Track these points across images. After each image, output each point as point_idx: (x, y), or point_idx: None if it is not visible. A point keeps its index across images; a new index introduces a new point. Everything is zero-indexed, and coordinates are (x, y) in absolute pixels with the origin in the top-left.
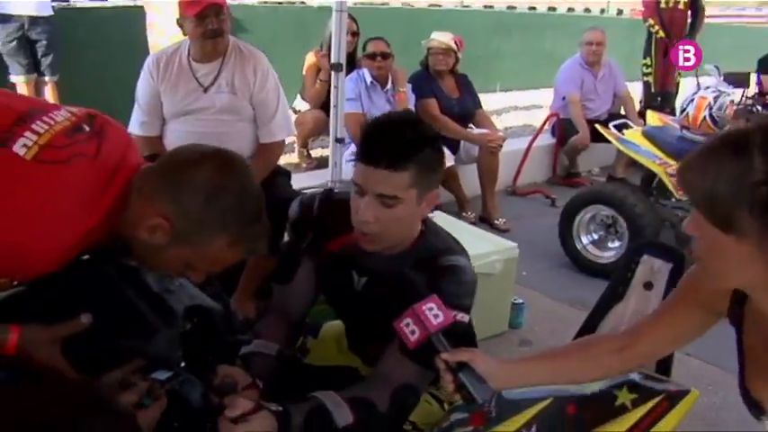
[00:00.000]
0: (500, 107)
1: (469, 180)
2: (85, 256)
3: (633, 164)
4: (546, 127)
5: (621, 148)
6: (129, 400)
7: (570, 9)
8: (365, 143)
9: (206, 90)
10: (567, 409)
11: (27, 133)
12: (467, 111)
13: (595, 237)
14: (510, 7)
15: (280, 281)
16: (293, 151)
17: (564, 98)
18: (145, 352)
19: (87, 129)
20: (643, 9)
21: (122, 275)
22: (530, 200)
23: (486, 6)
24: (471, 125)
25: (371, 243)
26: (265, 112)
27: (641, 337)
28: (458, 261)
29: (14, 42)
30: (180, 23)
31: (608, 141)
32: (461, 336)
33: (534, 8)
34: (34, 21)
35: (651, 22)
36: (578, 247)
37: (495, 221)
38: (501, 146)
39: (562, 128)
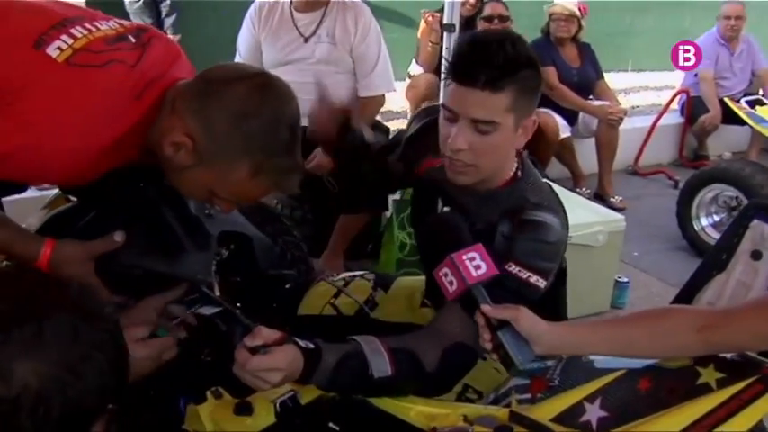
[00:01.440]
0: (628, 86)
1: (586, 155)
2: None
3: None
4: (674, 105)
5: (751, 123)
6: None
7: None
8: (460, 61)
9: (306, 40)
10: (639, 384)
11: (63, 37)
12: (587, 81)
13: (716, 219)
14: None
15: None
16: (406, 117)
17: (696, 75)
18: (172, 273)
19: (133, 40)
20: None
21: (163, 196)
22: (651, 180)
23: None
24: (591, 96)
25: (463, 174)
26: (365, 64)
27: (730, 321)
28: (544, 218)
29: (141, 2)
30: None
31: (742, 124)
32: (529, 301)
33: None
34: None
35: None
36: (696, 228)
37: (611, 199)
38: (622, 119)
39: (692, 106)
